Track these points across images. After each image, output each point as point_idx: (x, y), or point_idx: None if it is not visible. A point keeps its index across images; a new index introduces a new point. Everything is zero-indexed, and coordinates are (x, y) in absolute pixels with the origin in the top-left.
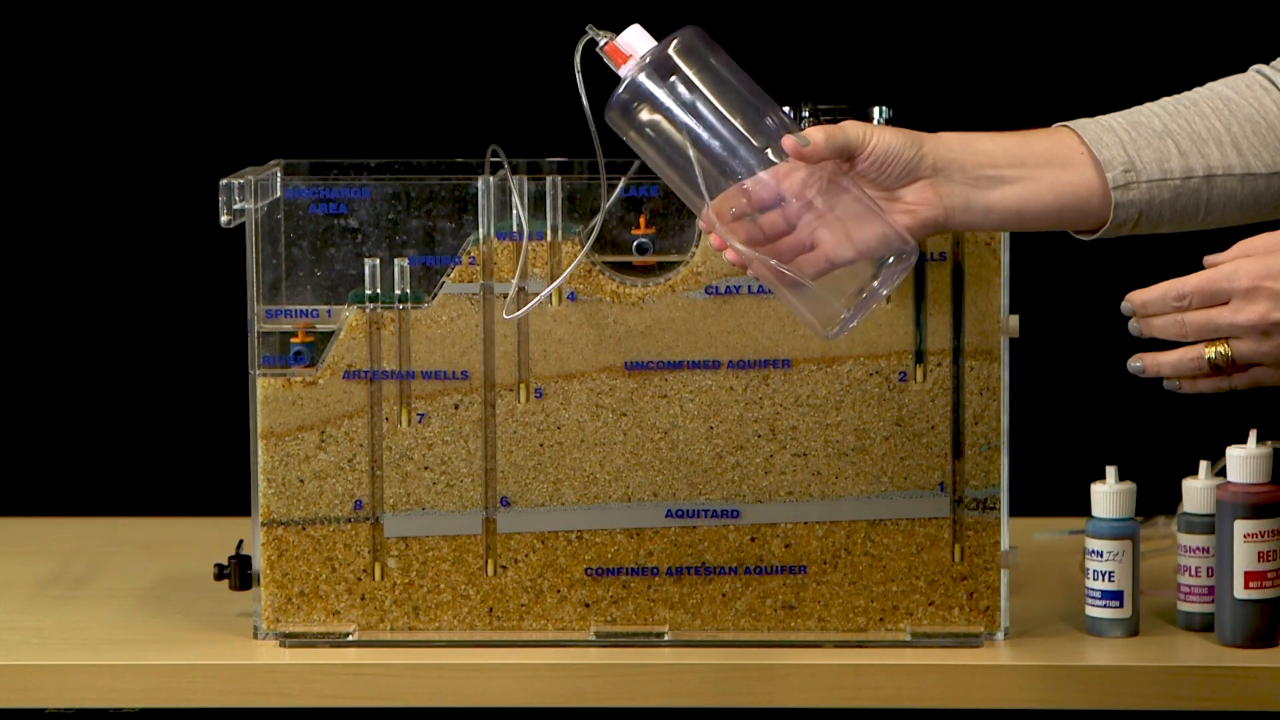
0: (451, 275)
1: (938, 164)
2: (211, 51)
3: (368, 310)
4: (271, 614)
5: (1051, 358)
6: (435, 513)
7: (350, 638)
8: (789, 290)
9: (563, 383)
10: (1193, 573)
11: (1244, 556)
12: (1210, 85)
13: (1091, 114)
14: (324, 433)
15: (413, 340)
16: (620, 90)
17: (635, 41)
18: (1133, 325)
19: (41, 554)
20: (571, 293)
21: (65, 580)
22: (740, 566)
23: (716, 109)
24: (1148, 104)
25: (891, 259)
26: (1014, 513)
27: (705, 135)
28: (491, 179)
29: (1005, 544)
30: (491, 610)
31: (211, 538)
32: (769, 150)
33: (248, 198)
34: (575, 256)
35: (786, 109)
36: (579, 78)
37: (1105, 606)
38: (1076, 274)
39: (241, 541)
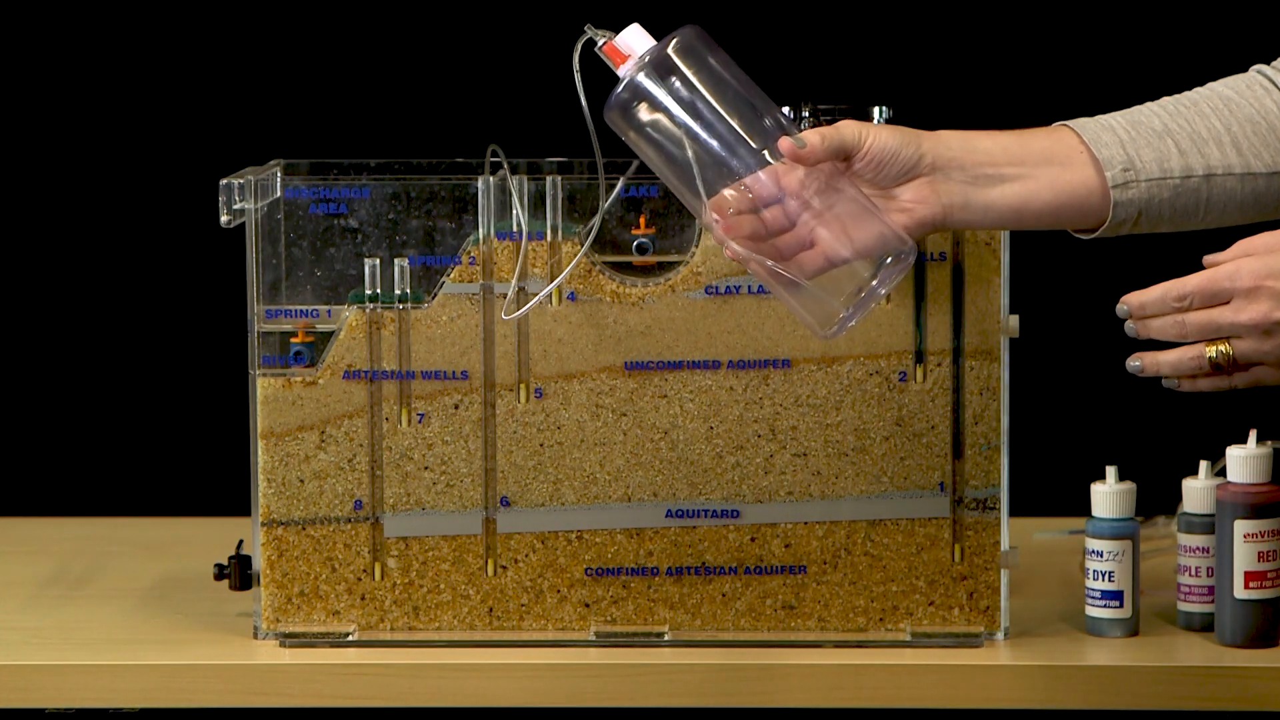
0: (451, 275)
1: (937, 162)
2: (211, 51)
3: (368, 310)
4: (271, 614)
5: (1051, 358)
6: (435, 513)
7: (350, 638)
8: (787, 290)
9: (563, 383)
10: (1193, 573)
11: (1244, 556)
12: (1210, 85)
13: (1091, 114)
14: (324, 433)
15: (413, 340)
16: (619, 90)
17: (634, 41)
18: (1129, 327)
19: (41, 554)
20: (571, 293)
21: (65, 580)
22: (740, 566)
23: (715, 109)
24: (1148, 104)
25: (890, 259)
26: (1014, 513)
27: (704, 135)
28: (491, 179)
29: (1005, 544)
30: (491, 610)
31: (211, 538)
32: (767, 151)
33: (248, 198)
34: (575, 256)
35: (786, 109)
36: (578, 77)
37: (1105, 606)
38: (1076, 274)
39: (241, 541)
